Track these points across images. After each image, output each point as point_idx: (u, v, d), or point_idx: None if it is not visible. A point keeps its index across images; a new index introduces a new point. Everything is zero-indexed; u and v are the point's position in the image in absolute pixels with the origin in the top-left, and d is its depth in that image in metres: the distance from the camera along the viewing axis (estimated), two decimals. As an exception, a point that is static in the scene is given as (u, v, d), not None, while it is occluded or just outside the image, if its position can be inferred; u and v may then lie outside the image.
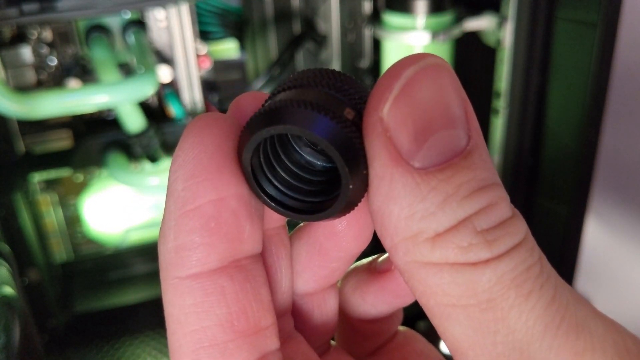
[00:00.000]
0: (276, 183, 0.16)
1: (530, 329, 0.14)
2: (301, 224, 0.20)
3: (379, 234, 0.16)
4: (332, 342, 0.22)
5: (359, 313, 0.22)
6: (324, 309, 0.21)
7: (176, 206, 0.15)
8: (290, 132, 0.15)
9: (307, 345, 0.20)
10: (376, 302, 0.22)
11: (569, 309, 0.14)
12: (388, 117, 0.14)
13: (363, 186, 0.15)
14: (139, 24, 0.56)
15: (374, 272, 0.21)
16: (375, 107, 0.15)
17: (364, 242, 0.19)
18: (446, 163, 0.14)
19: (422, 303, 0.15)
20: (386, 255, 0.22)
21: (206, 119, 0.16)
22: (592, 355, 0.14)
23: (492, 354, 0.14)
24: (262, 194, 0.16)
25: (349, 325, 0.23)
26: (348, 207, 0.16)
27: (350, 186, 0.15)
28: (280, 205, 0.16)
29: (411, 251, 0.15)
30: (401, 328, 0.24)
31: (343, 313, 0.22)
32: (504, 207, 0.15)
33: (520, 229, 0.15)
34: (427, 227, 0.14)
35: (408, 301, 0.22)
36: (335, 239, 0.19)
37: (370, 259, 0.22)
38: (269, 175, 0.16)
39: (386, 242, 0.15)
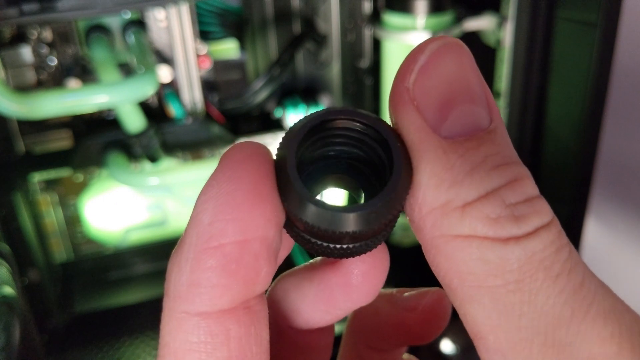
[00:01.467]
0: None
1: (557, 313, 0.14)
2: (308, 263, 0.20)
3: (406, 211, 0.16)
4: None
5: (370, 342, 0.22)
6: (320, 343, 0.21)
7: (199, 240, 0.15)
8: (347, 116, 0.16)
9: None
10: (394, 336, 0.21)
11: (597, 296, 0.14)
12: (414, 87, 0.15)
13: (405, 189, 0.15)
14: (139, 24, 0.56)
15: (398, 308, 0.21)
16: (401, 78, 0.15)
17: (372, 297, 0.19)
18: (472, 134, 0.15)
19: (445, 284, 0.15)
20: (412, 292, 0.21)
21: (246, 151, 0.15)
22: (619, 342, 0.14)
23: (514, 338, 0.14)
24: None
25: (355, 353, 0.22)
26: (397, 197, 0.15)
27: (402, 165, 0.15)
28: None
29: (439, 223, 0.14)
30: (405, 355, 0.24)
31: (352, 339, 0.22)
32: (530, 185, 0.15)
33: (548, 209, 0.15)
34: (455, 195, 0.14)
35: (426, 341, 0.21)
36: (348, 291, 0.19)
37: (391, 291, 0.22)
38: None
39: (414, 216, 0.15)
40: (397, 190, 0.15)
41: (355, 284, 0.19)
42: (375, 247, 0.16)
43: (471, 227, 0.14)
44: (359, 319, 0.22)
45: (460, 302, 0.15)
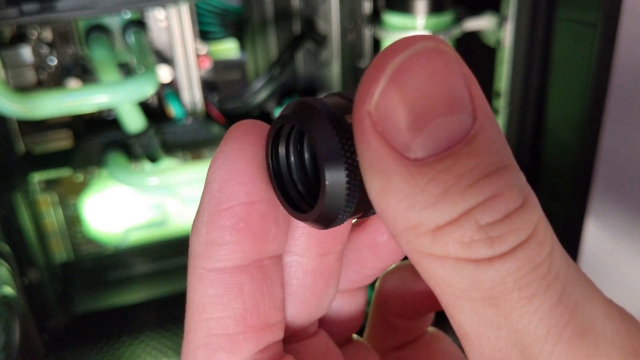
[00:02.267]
0: (297, 185, 0.17)
1: (532, 331, 0.14)
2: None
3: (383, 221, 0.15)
4: (354, 336, 0.23)
5: (396, 310, 0.23)
6: (352, 307, 0.21)
7: (211, 204, 0.17)
8: (283, 123, 0.16)
9: (329, 339, 0.21)
10: (417, 303, 0.22)
11: (575, 312, 0.14)
12: (376, 111, 0.14)
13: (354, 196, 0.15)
14: (139, 24, 0.56)
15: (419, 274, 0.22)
16: (362, 101, 0.14)
17: (400, 256, 0.20)
18: (446, 152, 0.13)
19: (431, 288, 0.15)
20: None
21: (247, 126, 0.17)
22: None
23: (495, 346, 0.14)
24: (277, 191, 0.17)
25: (382, 320, 0.23)
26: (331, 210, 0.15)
27: (328, 185, 0.15)
28: (293, 209, 0.16)
29: (412, 242, 0.14)
30: (430, 328, 0.24)
31: (379, 307, 0.23)
32: (510, 197, 0.14)
33: (529, 221, 0.14)
34: (427, 218, 0.13)
35: None
36: (376, 250, 0.20)
37: None
38: (294, 176, 0.17)
39: (389, 230, 0.15)
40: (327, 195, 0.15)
41: (382, 242, 0.20)
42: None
43: (443, 250, 0.14)
44: (386, 288, 0.23)
45: (445, 306, 0.15)
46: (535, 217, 0.14)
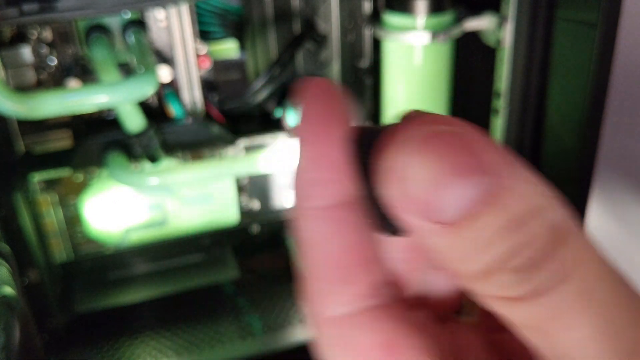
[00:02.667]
0: None
1: (579, 357, 0.15)
2: None
3: None
4: (457, 314, 0.24)
5: None
6: (453, 285, 0.22)
7: (310, 149, 0.18)
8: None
9: (428, 313, 0.22)
10: None
11: (618, 337, 0.15)
12: (397, 194, 0.16)
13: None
14: (139, 24, 0.56)
15: None
16: (385, 186, 0.16)
17: None
18: (474, 210, 0.15)
19: None
20: None
21: (317, 81, 0.18)
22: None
23: None
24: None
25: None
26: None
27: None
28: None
29: (465, 284, 0.16)
30: None
31: None
32: (541, 243, 0.15)
33: (560, 259, 0.15)
34: (469, 269, 0.16)
35: None
36: None
37: None
38: None
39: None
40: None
41: None
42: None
43: (491, 292, 0.16)
44: None
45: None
46: (569, 253, 0.15)
